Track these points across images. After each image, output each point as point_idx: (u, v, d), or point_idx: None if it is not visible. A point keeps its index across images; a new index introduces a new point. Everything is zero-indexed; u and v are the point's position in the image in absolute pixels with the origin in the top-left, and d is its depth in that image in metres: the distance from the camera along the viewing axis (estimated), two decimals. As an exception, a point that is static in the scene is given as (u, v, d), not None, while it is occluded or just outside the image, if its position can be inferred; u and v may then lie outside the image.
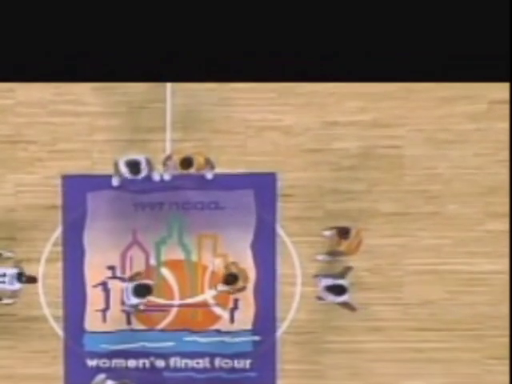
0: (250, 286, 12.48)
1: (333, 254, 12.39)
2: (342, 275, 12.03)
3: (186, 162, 11.56)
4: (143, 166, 11.69)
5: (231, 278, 11.72)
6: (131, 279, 11.93)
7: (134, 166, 11.58)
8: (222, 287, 12.10)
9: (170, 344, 12.71)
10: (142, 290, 11.60)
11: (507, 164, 12.57)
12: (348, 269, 12.18)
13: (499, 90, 12.15)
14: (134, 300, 11.69)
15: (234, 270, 11.80)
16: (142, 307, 12.16)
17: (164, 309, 12.68)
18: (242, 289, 12.03)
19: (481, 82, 10.18)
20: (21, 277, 11.68)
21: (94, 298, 12.67)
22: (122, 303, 12.41)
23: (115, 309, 12.59)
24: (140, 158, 11.69)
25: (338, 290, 11.71)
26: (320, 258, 12.61)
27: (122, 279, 12.54)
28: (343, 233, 11.74)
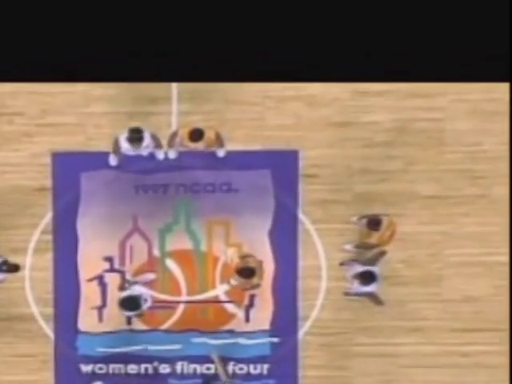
0: (268, 280, 12.10)
1: (362, 246, 11.88)
2: (373, 261, 11.54)
3: (196, 134, 11.14)
4: (147, 140, 11.34)
5: (247, 272, 11.20)
6: (120, 288, 11.95)
7: (134, 133, 11.16)
8: (235, 281, 11.52)
9: (176, 347, 12.27)
10: (131, 304, 11.23)
11: None
12: (381, 254, 11.65)
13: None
14: (128, 313, 11.43)
15: (252, 263, 11.31)
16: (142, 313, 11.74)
17: (169, 306, 12.23)
18: (256, 286, 11.62)
19: (481, 82, 10.33)
20: (2, 265, 11.24)
21: (88, 293, 12.23)
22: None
23: (113, 306, 11.93)
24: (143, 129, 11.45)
25: (367, 277, 11.23)
26: (348, 247, 12.07)
27: (121, 272, 12.22)
28: (373, 224, 11.25)
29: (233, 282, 11.65)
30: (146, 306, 11.33)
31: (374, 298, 11.50)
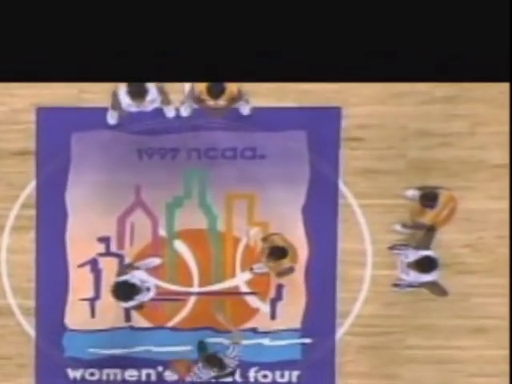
0: (301, 267, 11.25)
1: (411, 227, 11.09)
2: (426, 243, 10.60)
3: (216, 87, 10.44)
4: (153, 94, 10.53)
5: (277, 252, 10.33)
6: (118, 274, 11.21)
7: (135, 86, 10.44)
8: (260, 268, 10.85)
9: (186, 348, 11.43)
10: (126, 292, 10.49)
11: None
12: (431, 229, 10.70)
13: None
14: (123, 303, 10.75)
15: (279, 242, 10.47)
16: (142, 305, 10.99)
17: (178, 298, 11.54)
18: (289, 270, 10.77)
19: (481, 82, 10.26)
20: None
21: (79, 282, 11.53)
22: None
23: (108, 298, 11.03)
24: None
25: (425, 265, 10.35)
26: (398, 228, 11.18)
27: (119, 256, 11.52)
28: (428, 199, 10.37)
29: (256, 268, 11.03)
30: (147, 296, 10.39)
31: (436, 287, 10.47)
